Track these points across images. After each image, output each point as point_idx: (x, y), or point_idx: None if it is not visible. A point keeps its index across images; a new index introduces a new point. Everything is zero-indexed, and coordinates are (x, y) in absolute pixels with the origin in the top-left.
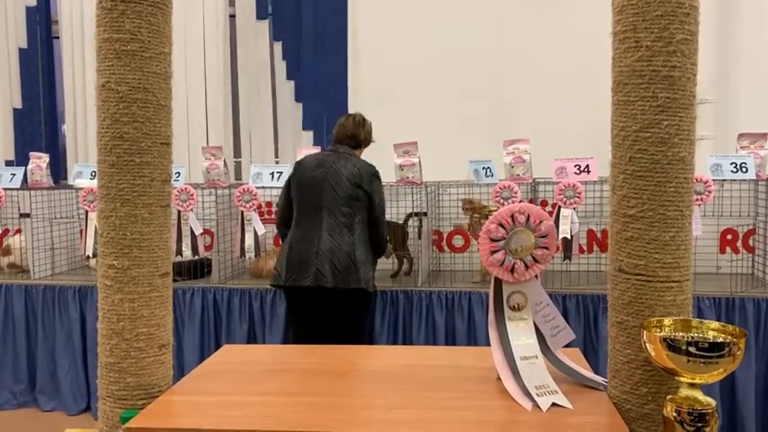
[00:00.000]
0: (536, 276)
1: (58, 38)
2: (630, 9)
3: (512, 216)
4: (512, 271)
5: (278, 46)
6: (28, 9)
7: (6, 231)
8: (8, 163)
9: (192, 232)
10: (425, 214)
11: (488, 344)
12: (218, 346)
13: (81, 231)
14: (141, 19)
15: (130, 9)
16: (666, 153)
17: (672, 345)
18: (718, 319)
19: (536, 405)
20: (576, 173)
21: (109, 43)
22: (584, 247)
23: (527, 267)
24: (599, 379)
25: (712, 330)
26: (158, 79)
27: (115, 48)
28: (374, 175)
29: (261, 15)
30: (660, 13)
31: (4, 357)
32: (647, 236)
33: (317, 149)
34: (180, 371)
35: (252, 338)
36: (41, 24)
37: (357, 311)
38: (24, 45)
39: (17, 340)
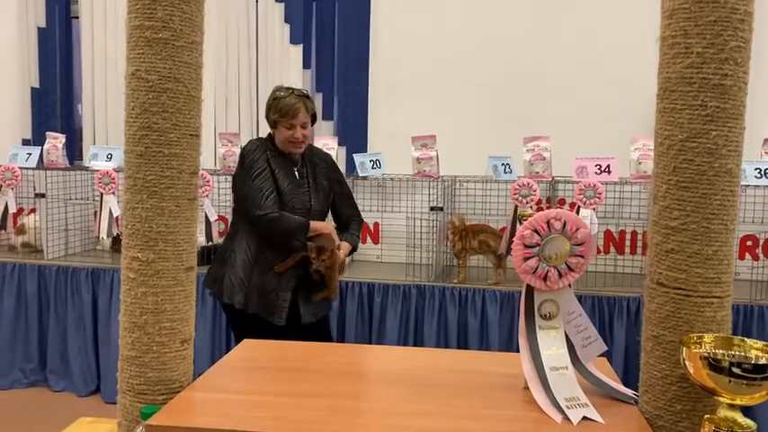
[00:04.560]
0: (569, 285)
1: (77, 18)
2: (682, 13)
3: (547, 222)
4: (545, 279)
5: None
6: None
7: (21, 210)
8: (25, 142)
9: (207, 218)
10: (441, 209)
11: (501, 343)
12: (229, 336)
13: (95, 213)
14: (173, 7)
15: None
16: (713, 164)
17: (713, 364)
18: (736, 327)
19: (566, 418)
20: (596, 173)
21: (140, 31)
22: (601, 249)
23: (561, 276)
24: (629, 392)
25: (756, 350)
26: (189, 69)
27: (146, 35)
28: (239, 162)
29: None
30: (713, 19)
31: (15, 336)
32: (689, 249)
33: (334, 139)
34: (192, 364)
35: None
36: (60, 4)
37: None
38: (43, 24)
39: (29, 319)
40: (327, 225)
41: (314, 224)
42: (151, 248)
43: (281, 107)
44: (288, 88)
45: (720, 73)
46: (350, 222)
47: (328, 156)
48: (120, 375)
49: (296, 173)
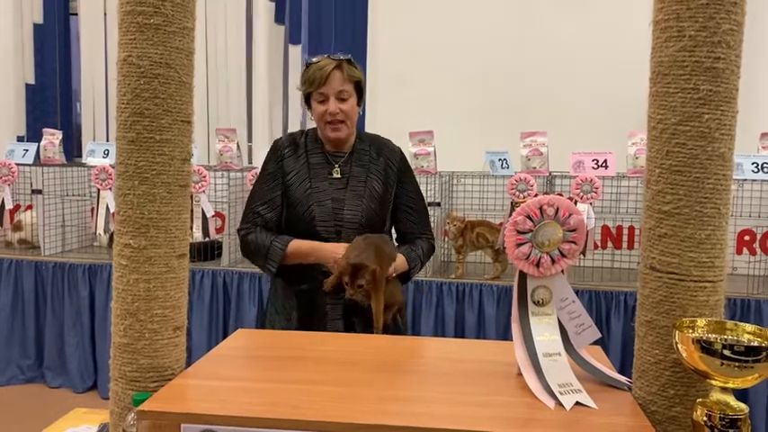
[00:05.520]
0: (562, 271)
1: (75, 14)
2: None
3: (540, 208)
4: (537, 265)
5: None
6: None
7: (18, 207)
8: (19, 138)
9: (204, 214)
10: (439, 204)
11: (497, 337)
12: (226, 329)
13: (92, 209)
14: None
15: None
16: (706, 148)
17: (705, 347)
18: (732, 320)
19: (559, 403)
20: (593, 167)
21: (131, 16)
22: (599, 243)
23: (553, 262)
24: (623, 379)
25: (748, 334)
26: (181, 55)
27: (138, 21)
28: None
29: None
30: (706, 2)
31: (12, 332)
32: (682, 233)
33: None
34: (188, 352)
35: (261, 323)
36: (59, 0)
37: None
38: (40, 21)
39: (26, 315)
40: (326, 250)
41: (304, 245)
42: (143, 235)
43: (309, 74)
44: (328, 55)
45: (713, 56)
46: (415, 242)
47: (395, 150)
48: (112, 362)
49: (336, 172)
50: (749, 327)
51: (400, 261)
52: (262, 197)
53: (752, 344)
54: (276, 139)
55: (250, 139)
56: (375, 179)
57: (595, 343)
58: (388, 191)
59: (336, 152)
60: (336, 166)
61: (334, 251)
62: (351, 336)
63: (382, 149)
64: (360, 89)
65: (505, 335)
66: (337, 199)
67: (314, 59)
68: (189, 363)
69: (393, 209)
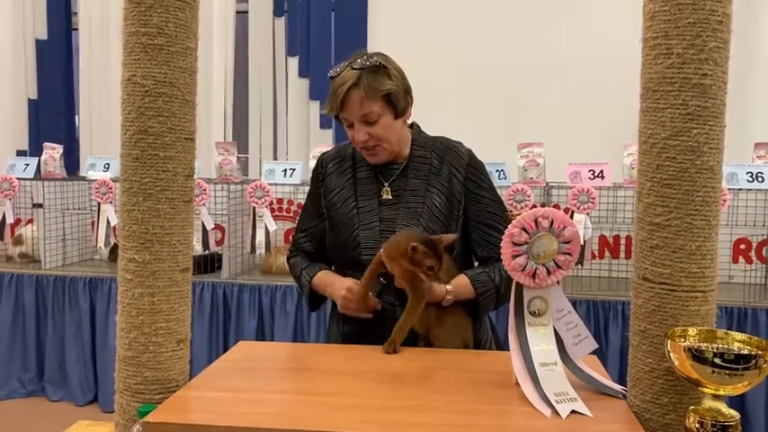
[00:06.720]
0: (558, 282)
1: (76, 29)
2: (662, 16)
3: (535, 220)
4: (533, 276)
5: (290, 43)
6: (48, 0)
7: (18, 221)
8: (20, 153)
9: (204, 227)
10: None
11: (498, 348)
12: (226, 341)
13: (93, 223)
14: (169, 13)
15: (158, 3)
16: (695, 162)
17: (696, 355)
18: (730, 329)
19: (555, 412)
20: (590, 178)
21: (136, 37)
22: (596, 253)
23: (549, 273)
24: (618, 387)
25: (738, 342)
26: (184, 74)
27: (142, 42)
28: None
29: (278, 13)
30: (693, 21)
31: (13, 346)
32: (673, 245)
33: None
34: (188, 364)
35: (260, 335)
36: (61, 16)
37: None
38: (44, 36)
39: (27, 329)
40: (333, 286)
41: (323, 278)
42: (147, 250)
43: (329, 93)
44: (354, 57)
45: (700, 73)
46: (494, 265)
47: (462, 154)
48: (117, 375)
49: (385, 192)
50: (739, 335)
51: (460, 282)
52: (302, 223)
53: (742, 352)
54: (322, 152)
55: (244, 151)
56: (436, 193)
57: (594, 352)
58: (453, 206)
59: (389, 165)
60: (386, 185)
61: (340, 288)
62: (351, 347)
63: (446, 155)
64: (393, 103)
65: (506, 345)
66: (387, 219)
67: (333, 71)
68: (191, 375)
69: (465, 228)
